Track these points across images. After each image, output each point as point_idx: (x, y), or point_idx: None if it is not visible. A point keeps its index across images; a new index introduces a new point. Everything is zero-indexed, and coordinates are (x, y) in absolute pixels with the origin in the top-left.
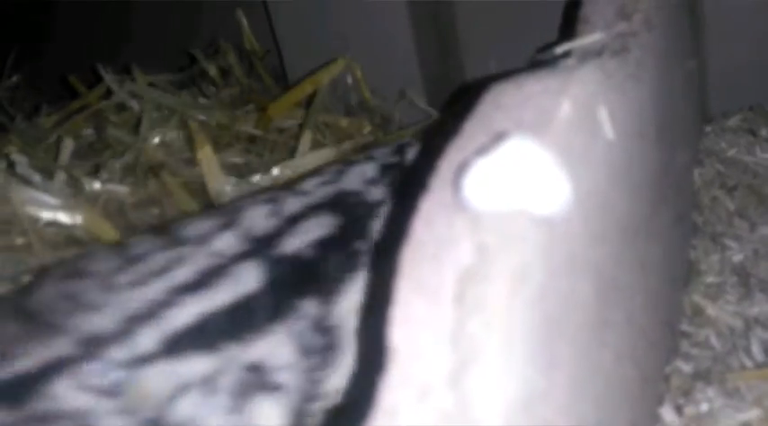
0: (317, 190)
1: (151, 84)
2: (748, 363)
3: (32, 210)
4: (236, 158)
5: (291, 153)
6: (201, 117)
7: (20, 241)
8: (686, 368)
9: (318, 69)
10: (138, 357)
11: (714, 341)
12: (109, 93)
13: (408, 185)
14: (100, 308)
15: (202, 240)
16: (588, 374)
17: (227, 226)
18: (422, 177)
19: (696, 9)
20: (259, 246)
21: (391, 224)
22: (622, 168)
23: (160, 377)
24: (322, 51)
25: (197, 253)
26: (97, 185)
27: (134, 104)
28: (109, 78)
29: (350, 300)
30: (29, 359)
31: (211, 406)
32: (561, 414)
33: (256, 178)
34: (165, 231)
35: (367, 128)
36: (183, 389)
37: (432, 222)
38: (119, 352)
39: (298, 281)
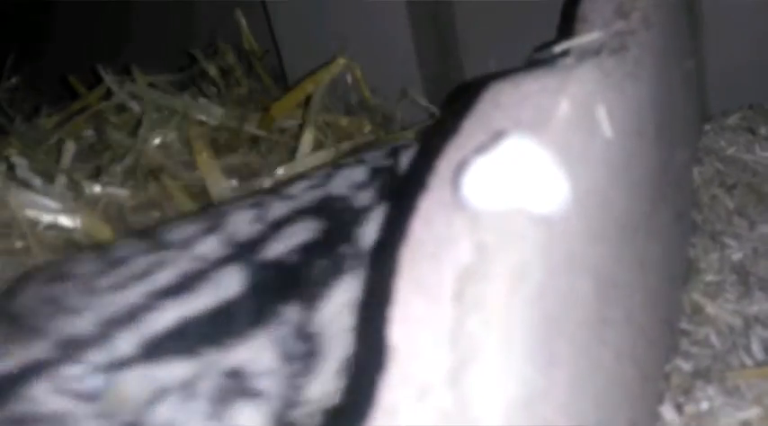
0: (303, 194)
1: (151, 85)
2: (748, 361)
3: (32, 214)
4: (238, 160)
5: (292, 153)
6: (202, 117)
7: (19, 244)
8: (686, 366)
9: (318, 69)
10: (116, 361)
11: (714, 339)
12: (109, 94)
13: (407, 184)
14: (80, 312)
15: (185, 244)
16: (588, 372)
17: (210, 230)
18: (421, 176)
19: (695, 8)
20: (242, 251)
21: (390, 223)
22: (621, 166)
23: (139, 382)
24: (321, 51)
25: (179, 258)
26: (97, 188)
27: (134, 105)
28: (109, 79)
29: (333, 306)
30: (8, 361)
31: (190, 411)
32: (561, 413)
33: (258, 181)
34: (151, 234)
35: (367, 128)
36: (161, 394)
37: (431, 221)
38: (97, 356)
39: (280, 287)
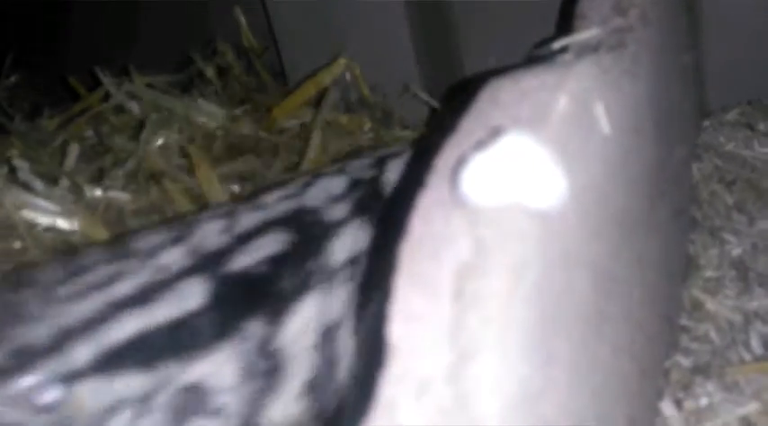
0: (277, 204)
1: (149, 85)
2: (747, 357)
3: (30, 215)
4: (240, 167)
5: (295, 153)
6: (203, 120)
7: (17, 245)
8: (685, 362)
9: (320, 69)
10: (71, 372)
11: (713, 335)
12: (108, 95)
13: (406, 182)
14: (37, 320)
15: (149, 254)
16: (586, 368)
17: (177, 240)
18: (419, 174)
19: (694, 5)
20: (207, 263)
21: (389, 220)
22: (619, 163)
23: (93, 393)
24: (320, 48)
25: (141, 268)
26: (98, 192)
27: (133, 106)
28: (107, 81)
29: (298, 323)
30: None
31: None
32: (559, 408)
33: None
34: (120, 242)
35: (367, 125)
36: (117, 407)
37: (430, 218)
38: (52, 366)
39: (245, 300)
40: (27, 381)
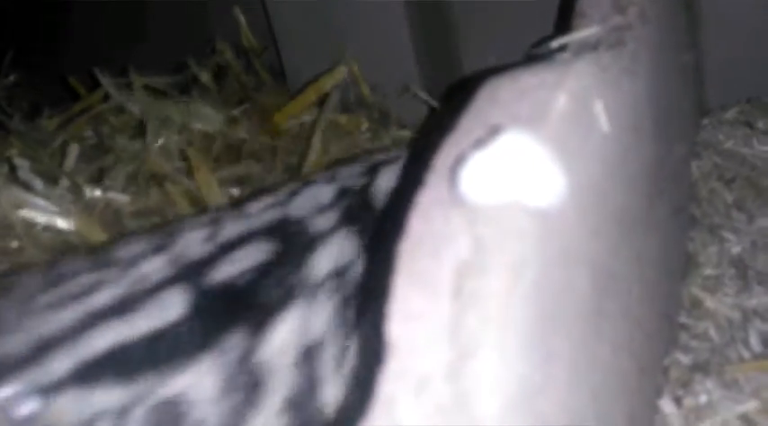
0: (261, 213)
1: (147, 87)
2: (746, 355)
3: (29, 214)
4: (240, 171)
5: (295, 155)
6: (199, 126)
7: (15, 244)
8: (685, 359)
9: (321, 74)
10: (49, 383)
11: (713, 333)
12: (108, 95)
13: (405, 181)
14: (14, 331)
15: (131, 263)
16: (585, 366)
17: (159, 249)
18: (419, 172)
19: (693, 3)
20: (188, 273)
21: (389, 219)
22: (617, 161)
23: (72, 406)
24: (320, 48)
25: (121, 277)
26: (98, 192)
27: (133, 107)
28: (106, 82)
29: (279, 338)
30: None
31: None
32: (558, 406)
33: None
34: (104, 250)
35: (365, 125)
36: (95, 419)
37: (429, 217)
38: (29, 377)
39: (226, 312)
40: (4, 392)
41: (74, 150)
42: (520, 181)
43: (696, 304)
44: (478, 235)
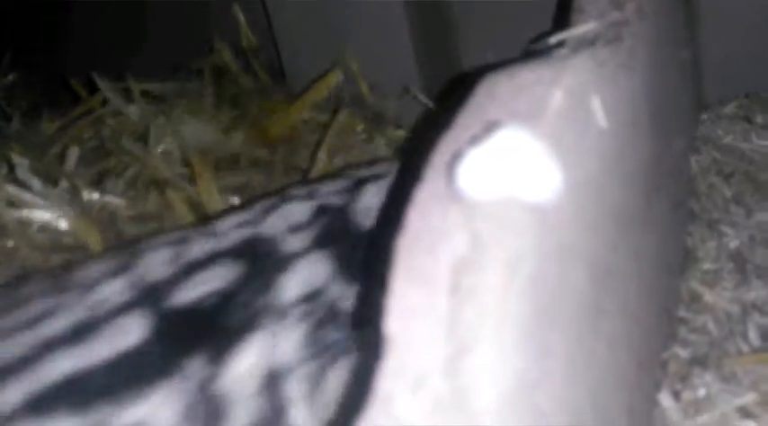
0: (231, 232)
1: (145, 92)
2: (745, 348)
3: (24, 214)
4: (240, 180)
5: (294, 158)
6: (195, 141)
7: (10, 244)
8: (684, 353)
9: (316, 80)
10: (1, 415)
11: (711, 326)
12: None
13: (403, 177)
14: None
15: (90, 286)
16: (582, 361)
17: (120, 271)
18: (416, 168)
19: None
20: (149, 296)
21: (386, 215)
22: (615, 157)
23: None
24: (320, 48)
25: (79, 302)
26: (95, 195)
27: (132, 112)
28: (105, 86)
29: (242, 366)
30: None
31: None
32: (556, 400)
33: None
34: (65, 270)
35: (360, 126)
36: None
37: (426, 213)
38: None
39: (188, 337)
40: None
41: (73, 153)
42: (517, 177)
43: (695, 298)
44: (476, 231)
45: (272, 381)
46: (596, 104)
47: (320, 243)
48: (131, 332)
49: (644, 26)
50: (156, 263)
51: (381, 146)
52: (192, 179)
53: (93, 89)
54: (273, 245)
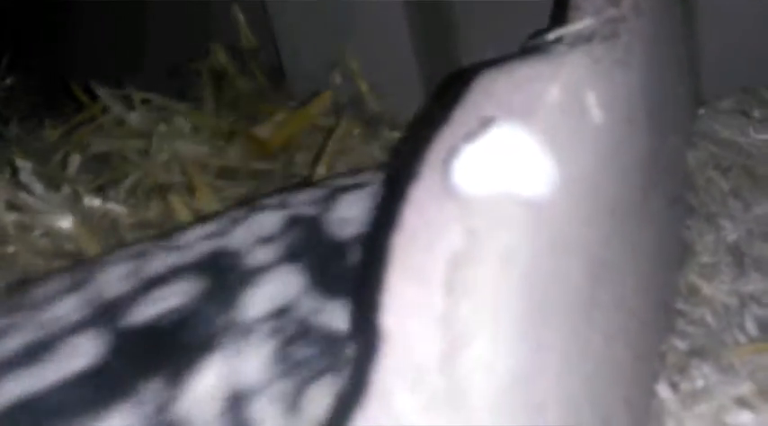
0: (195, 244)
1: (146, 100)
2: (743, 339)
3: (27, 219)
4: (239, 191)
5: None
6: (197, 147)
7: (11, 249)
8: (682, 345)
9: (309, 101)
10: None
11: (709, 318)
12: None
13: (398, 173)
14: None
15: (43, 304)
16: (578, 354)
17: (75, 287)
18: (412, 164)
19: None
20: (105, 313)
21: (382, 211)
22: (610, 153)
23: None
24: (320, 48)
25: (31, 321)
26: (97, 202)
27: (133, 121)
28: (104, 94)
29: (202, 388)
30: None
31: None
32: (552, 393)
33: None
34: (24, 287)
35: (356, 130)
36: None
37: (422, 208)
38: None
39: (146, 357)
40: None
41: (75, 160)
42: (512, 173)
43: (693, 291)
44: (471, 227)
45: (237, 402)
46: (592, 100)
47: (291, 255)
48: (86, 352)
49: (640, 23)
50: (112, 279)
51: (379, 149)
52: (191, 188)
53: (94, 92)
54: (239, 258)
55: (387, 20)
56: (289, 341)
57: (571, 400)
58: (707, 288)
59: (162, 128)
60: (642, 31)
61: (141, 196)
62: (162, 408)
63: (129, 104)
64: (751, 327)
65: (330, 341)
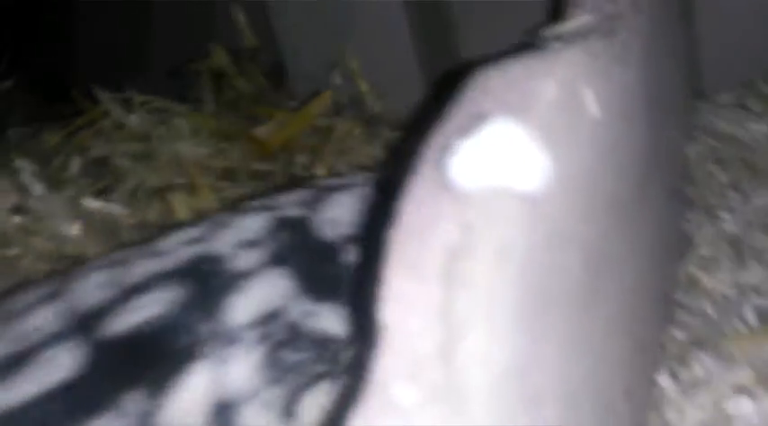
0: (177, 249)
1: (145, 103)
2: (742, 328)
3: (26, 222)
4: (239, 192)
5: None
6: (197, 148)
7: (14, 252)
8: (681, 335)
9: (309, 101)
10: None
11: (709, 309)
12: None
13: (395, 168)
14: None
15: (19, 315)
16: (579, 344)
17: (52, 297)
18: (408, 160)
19: None
20: (83, 324)
21: (379, 207)
22: (608, 148)
23: None
24: (320, 48)
25: (4, 333)
26: (98, 203)
27: (133, 123)
28: (105, 98)
29: (186, 395)
30: None
31: None
32: (551, 386)
33: None
34: (2, 300)
35: (357, 130)
36: None
37: (419, 203)
38: None
39: (125, 369)
40: None
41: (76, 163)
42: (508, 168)
43: (693, 282)
44: (467, 221)
45: (224, 411)
46: (589, 97)
47: (278, 258)
48: (64, 364)
49: (639, 19)
50: (90, 287)
51: (379, 149)
52: (191, 190)
53: (94, 96)
54: (222, 263)
55: (387, 20)
56: (278, 347)
57: (571, 392)
58: (706, 280)
59: (162, 130)
60: (640, 27)
61: (142, 197)
62: (145, 419)
63: (128, 107)
64: (750, 317)
65: (323, 345)
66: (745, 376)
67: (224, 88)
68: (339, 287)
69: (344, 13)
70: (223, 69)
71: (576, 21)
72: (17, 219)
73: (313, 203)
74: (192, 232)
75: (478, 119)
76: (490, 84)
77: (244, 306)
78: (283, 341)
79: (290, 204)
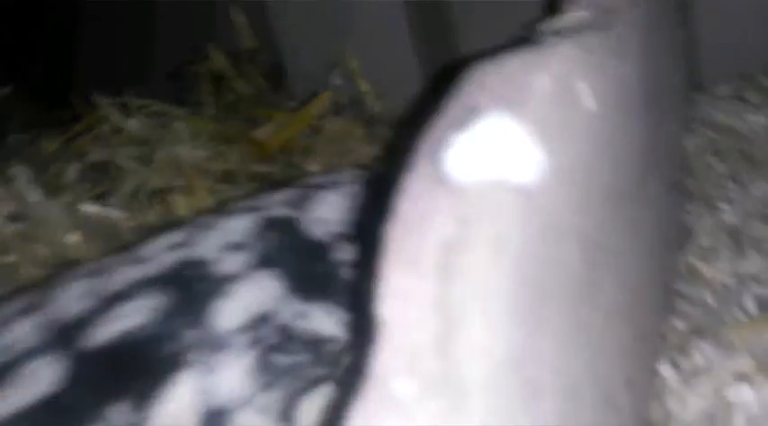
0: (160, 255)
1: (143, 107)
2: (742, 317)
3: (26, 228)
4: (239, 192)
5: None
6: (196, 151)
7: (11, 259)
8: (682, 325)
9: (308, 101)
10: None
11: (709, 298)
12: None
13: (391, 163)
14: None
15: None
16: (577, 335)
17: (29, 309)
18: (404, 155)
19: None
20: (63, 336)
21: (376, 202)
22: (605, 141)
23: None
24: (320, 48)
25: None
26: (96, 208)
27: (132, 128)
28: (104, 104)
29: (173, 405)
30: None
31: None
32: (550, 377)
33: None
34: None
35: (358, 131)
36: None
37: (415, 198)
38: None
39: (108, 381)
40: None
41: (74, 169)
42: (503, 161)
43: (693, 272)
44: (463, 215)
45: (215, 419)
46: (584, 90)
47: (266, 260)
48: (43, 378)
49: (635, 13)
50: (71, 297)
51: (379, 149)
52: (191, 192)
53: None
54: (207, 267)
55: (387, 20)
56: (270, 350)
57: (570, 384)
58: (706, 270)
59: (160, 133)
60: (637, 20)
61: (141, 201)
62: None
63: (127, 112)
64: (750, 306)
65: (316, 346)
66: (745, 364)
67: (223, 90)
68: (330, 286)
69: (344, 13)
70: (222, 71)
71: (572, 15)
72: (15, 226)
73: (300, 202)
74: (175, 236)
75: (474, 112)
76: (486, 78)
77: (231, 310)
78: (275, 345)
79: (276, 204)
